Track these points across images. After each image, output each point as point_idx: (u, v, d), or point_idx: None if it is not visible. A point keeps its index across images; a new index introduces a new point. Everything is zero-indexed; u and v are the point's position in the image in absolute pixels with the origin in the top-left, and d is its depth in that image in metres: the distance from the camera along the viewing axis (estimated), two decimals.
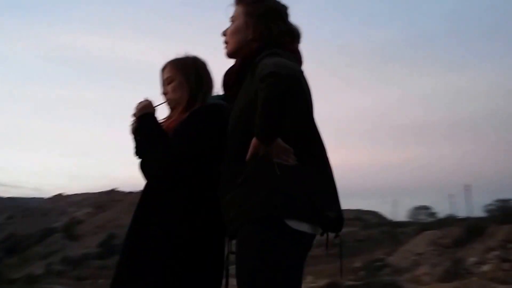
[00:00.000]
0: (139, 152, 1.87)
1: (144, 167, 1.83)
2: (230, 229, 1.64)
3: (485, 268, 12.01)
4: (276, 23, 1.73)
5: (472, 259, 12.69)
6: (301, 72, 1.61)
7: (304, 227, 1.51)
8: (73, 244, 39.03)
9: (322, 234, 1.60)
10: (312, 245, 1.60)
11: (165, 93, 1.95)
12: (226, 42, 1.82)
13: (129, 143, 1.91)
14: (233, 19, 1.81)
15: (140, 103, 1.90)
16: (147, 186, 1.84)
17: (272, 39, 1.71)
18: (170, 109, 1.96)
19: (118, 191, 54.74)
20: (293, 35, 1.77)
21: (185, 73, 1.92)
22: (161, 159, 1.78)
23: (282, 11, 1.79)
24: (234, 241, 1.64)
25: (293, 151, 1.54)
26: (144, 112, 1.87)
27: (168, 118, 1.95)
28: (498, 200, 19.45)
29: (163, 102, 1.95)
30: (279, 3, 1.80)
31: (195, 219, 1.74)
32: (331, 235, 1.62)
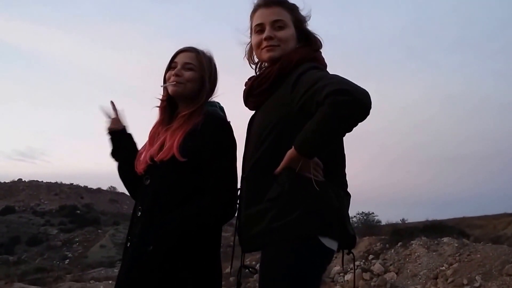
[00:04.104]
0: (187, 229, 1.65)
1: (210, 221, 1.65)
2: (249, 244, 1.60)
3: (348, 277, 12.88)
4: (311, 35, 1.68)
5: (336, 268, 12.83)
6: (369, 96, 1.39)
7: (334, 245, 1.51)
8: None
9: (338, 251, 1.58)
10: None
11: (178, 75, 1.78)
12: (274, 45, 1.68)
13: None
14: (283, 23, 1.67)
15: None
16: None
17: (310, 51, 1.65)
18: (175, 94, 1.79)
19: None
20: (319, 46, 1.71)
21: (207, 74, 1.80)
22: (221, 205, 1.64)
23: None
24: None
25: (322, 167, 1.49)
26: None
27: (164, 114, 1.83)
28: (360, 213, 18.30)
29: (172, 82, 1.77)
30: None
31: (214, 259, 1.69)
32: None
